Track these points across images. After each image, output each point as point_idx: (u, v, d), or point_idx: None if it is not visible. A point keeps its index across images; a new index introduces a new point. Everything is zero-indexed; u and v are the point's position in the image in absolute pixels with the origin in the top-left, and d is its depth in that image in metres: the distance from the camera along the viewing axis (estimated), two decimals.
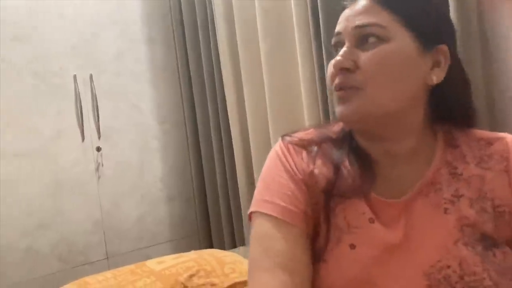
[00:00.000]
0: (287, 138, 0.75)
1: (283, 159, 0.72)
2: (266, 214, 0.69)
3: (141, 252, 2.23)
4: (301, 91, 1.63)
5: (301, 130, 0.77)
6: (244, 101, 1.94)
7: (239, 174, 2.02)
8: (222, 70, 2.02)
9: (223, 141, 2.12)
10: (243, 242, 2.06)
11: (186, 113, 2.32)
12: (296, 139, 0.74)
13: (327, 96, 1.51)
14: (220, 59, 2.02)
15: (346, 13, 0.69)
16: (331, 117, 1.49)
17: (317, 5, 1.48)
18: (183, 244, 2.35)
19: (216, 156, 2.17)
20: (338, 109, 0.66)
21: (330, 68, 0.68)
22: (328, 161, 0.70)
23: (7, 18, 1.92)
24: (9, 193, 1.91)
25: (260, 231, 0.69)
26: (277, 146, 0.75)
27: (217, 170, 2.17)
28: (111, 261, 2.16)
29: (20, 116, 1.95)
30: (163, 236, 2.31)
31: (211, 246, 2.32)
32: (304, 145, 0.73)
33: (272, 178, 0.72)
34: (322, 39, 1.47)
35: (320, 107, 1.54)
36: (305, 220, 0.68)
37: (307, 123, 1.63)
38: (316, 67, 1.52)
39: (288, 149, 0.73)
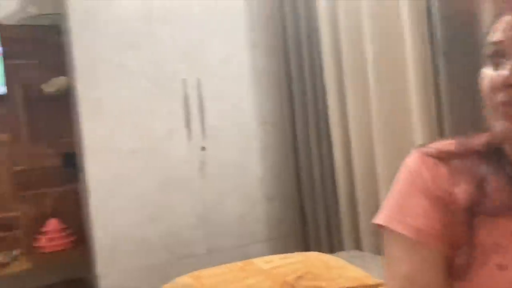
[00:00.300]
0: (423, 150, 0.71)
1: (416, 174, 0.69)
2: (397, 233, 0.67)
3: (240, 250, 2.31)
4: (411, 96, 1.58)
5: (439, 141, 0.73)
6: (346, 105, 1.93)
7: (338, 179, 2.01)
8: (324, 74, 2.03)
9: (323, 144, 2.12)
10: (341, 247, 2.05)
11: (285, 115, 2.36)
12: (433, 150, 0.70)
13: (441, 102, 1.46)
14: (323, 63, 2.03)
15: (509, 19, 0.62)
16: (445, 124, 1.44)
17: (433, 8, 1.43)
18: (280, 244, 2.40)
19: (314, 159, 2.19)
20: (507, 126, 0.62)
21: (491, 81, 0.64)
22: (471, 176, 0.66)
23: (125, 27, 2.09)
24: (125, 187, 2.08)
25: (389, 251, 0.69)
26: (411, 158, 0.72)
27: (315, 173, 2.18)
28: (212, 255, 2.26)
29: (135, 116, 2.11)
30: (262, 235, 2.37)
31: (307, 247, 2.34)
32: (443, 157, 0.69)
33: (404, 194, 0.70)
34: (438, 44, 1.42)
35: (434, 113, 1.48)
36: (441, 240, 0.66)
37: (415, 129, 1.58)
38: (431, 72, 1.47)
39: (423, 162, 0.70)
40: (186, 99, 2.21)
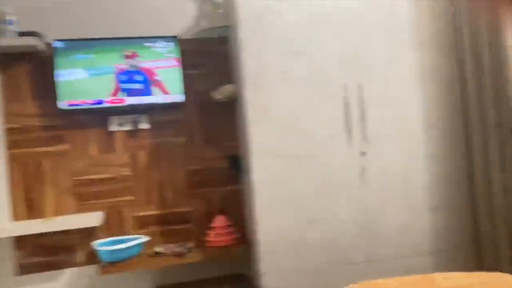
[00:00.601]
0: None
1: None
2: None
3: (401, 261, 2.20)
4: None
5: None
6: None
7: None
8: (509, 73, 1.81)
9: (506, 152, 1.89)
10: None
11: (457, 119, 2.17)
12: None
13: None
14: (508, 60, 1.81)
15: None
16: None
17: None
18: (446, 258, 2.22)
19: (493, 168, 1.96)
20: None
21: None
22: None
23: (289, 35, 2.15)
24: (287, 190, 2.13)
25: None
26: None
27: (495, 183, 1.96)
28: (371, 264, 2.19)
29: (298, 121, 2.15)
30: (425, 247, 2.22)
31: (480, 265, 2.12)
32: None
33: None
34: None
35: None
36: None
37: None
38: None
39: None
40: (346, 104, 2.19)
